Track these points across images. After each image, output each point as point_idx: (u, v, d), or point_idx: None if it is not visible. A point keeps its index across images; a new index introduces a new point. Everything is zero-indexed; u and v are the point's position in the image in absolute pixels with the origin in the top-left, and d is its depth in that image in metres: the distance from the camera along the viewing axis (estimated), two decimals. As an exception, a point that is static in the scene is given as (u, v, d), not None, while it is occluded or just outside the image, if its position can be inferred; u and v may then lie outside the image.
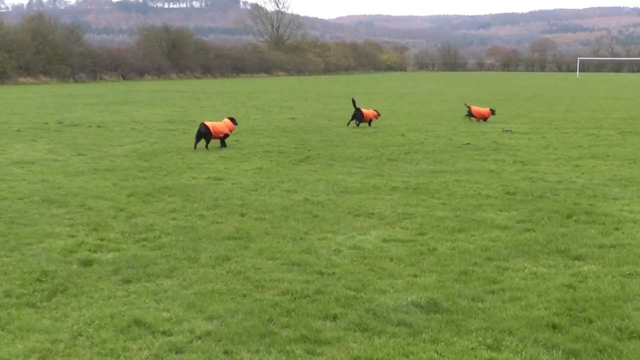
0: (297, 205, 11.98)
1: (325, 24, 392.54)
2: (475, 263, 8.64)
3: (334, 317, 6.81)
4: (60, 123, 26.97)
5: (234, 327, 6.53)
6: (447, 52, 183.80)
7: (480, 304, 7.17)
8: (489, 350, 6.09)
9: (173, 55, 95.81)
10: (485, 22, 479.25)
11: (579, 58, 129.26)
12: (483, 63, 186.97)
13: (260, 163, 16.86)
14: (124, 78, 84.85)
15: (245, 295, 7.44)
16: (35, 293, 7.46)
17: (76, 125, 26.08)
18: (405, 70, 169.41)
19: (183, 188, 13.53)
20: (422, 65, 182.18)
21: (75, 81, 77.19)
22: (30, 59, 73.08)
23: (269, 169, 15.94)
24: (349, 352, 6.06)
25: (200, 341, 6.26)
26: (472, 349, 6.13)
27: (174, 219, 10.96)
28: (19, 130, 24.07)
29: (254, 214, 11.33)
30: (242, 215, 11.25)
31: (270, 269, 8.36)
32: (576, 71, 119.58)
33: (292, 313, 6.90)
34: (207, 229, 10.28)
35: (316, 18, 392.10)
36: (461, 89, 62.48)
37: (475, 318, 6.79)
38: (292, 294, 7.44)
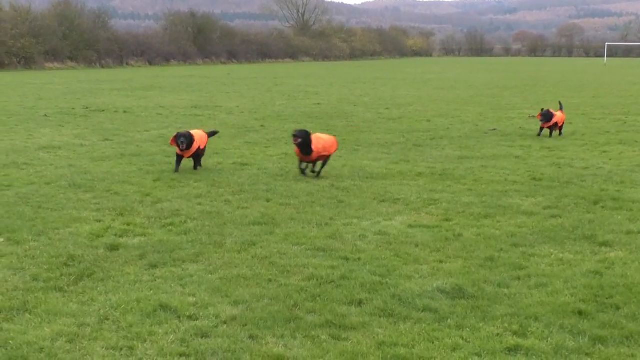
0: (322, 191, 11.98)
1: (351, 10, 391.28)
2: (501, 249, 8.61)
3: (360, 303, 6.82)
4: (87, 108, 27.11)
5: (259, 312, 6.55)
6: (474, 38, 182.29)
7: (506, 290, 7.15)
8: (514, 337, 6.07)
9: (199, 40, 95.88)
10: (512, 7, 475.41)
11: (606, 43, 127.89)
12: (510, 48, 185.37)
13: (286, 148, 16.86)
14: (150, 63, 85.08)
15: (270, 280, 7.46)
16: (63, 277, 7.53)
17: (103, 111, 26.21)
18: (431, 55, 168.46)
19: (209, 173, 13.57)
20: (448, 50, 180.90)
21: (102, 66, 77.52)
22: (57, 44, 73.42)
23: (294, 155, 15.93)
24: (374, 337, 6.07)
25: (225, 326, 6.29)
26: (498, 335, 6.11)
27: (199, 204, 11.00)
28: (46, 116, 24.22)
29: (279, 199, 11.35)
30: (268, 200, 11.27)
31: (296, 255, 8.38)
32: (604, 57, 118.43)
33: (318, 298, 6.91)
34: (233, 214, 10.31)
35: (342, 3, 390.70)
36: (488, 75, 62.11)
37: (501, 304, 6.78)
38: (317, 280, 7.45)
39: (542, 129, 19.61)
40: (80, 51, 76.59)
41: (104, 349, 5.84)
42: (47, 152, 16.27)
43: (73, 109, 26.99)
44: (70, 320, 6.39)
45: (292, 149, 16.34)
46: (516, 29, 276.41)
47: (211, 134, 15.13)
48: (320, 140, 13.33)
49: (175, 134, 13.82)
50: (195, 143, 13.73)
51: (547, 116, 19.18)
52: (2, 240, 8.90)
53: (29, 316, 6.48)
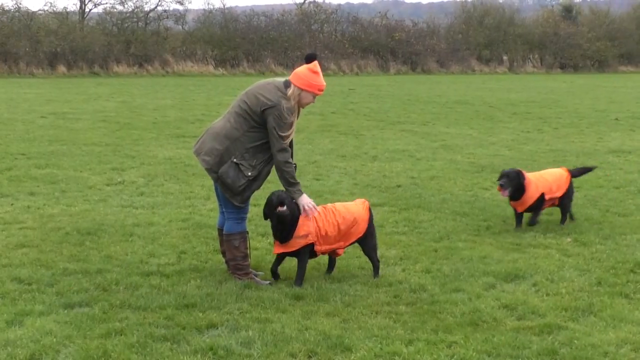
0: None
1: None
2: None
3: None
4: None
5: None
6: None
7: None
8: None
9: None
10: None
11: None
12: None
13: None
14: None
15: None
16: (629, 284, 7.47)
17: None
18: None
19: None
20: None
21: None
22: (633, 47, 72.54)
23: None
24: None
25: None
26: None
27: None
28: (617, 119, 24.05)
29: None
30: None
31: None
32: None
33: None
34: None
35: None
36: None
37: None
38: None
39: None
40: (655, 55, 74.68)
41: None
42: (617, 156, 16.14)
43: (647, 113, 26.35)
44: (635, 328, 6.30)
45: None
46: None
47: (581, 172, 10.64)
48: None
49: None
50: (531, 190, 9.36)
51: None
52: (569, 240, 9.10)
53: (594, 318, 6.52)
